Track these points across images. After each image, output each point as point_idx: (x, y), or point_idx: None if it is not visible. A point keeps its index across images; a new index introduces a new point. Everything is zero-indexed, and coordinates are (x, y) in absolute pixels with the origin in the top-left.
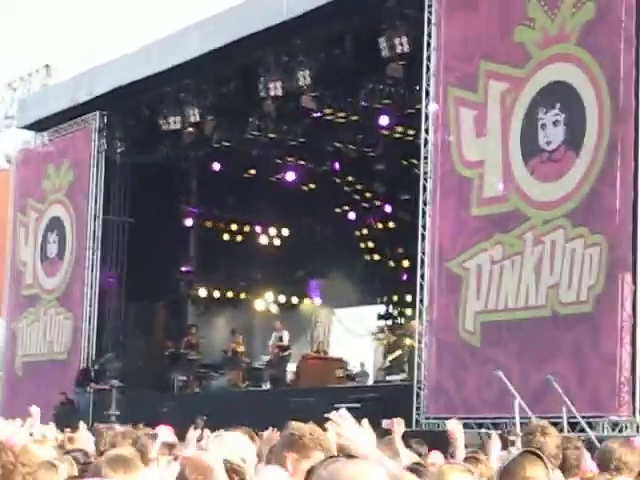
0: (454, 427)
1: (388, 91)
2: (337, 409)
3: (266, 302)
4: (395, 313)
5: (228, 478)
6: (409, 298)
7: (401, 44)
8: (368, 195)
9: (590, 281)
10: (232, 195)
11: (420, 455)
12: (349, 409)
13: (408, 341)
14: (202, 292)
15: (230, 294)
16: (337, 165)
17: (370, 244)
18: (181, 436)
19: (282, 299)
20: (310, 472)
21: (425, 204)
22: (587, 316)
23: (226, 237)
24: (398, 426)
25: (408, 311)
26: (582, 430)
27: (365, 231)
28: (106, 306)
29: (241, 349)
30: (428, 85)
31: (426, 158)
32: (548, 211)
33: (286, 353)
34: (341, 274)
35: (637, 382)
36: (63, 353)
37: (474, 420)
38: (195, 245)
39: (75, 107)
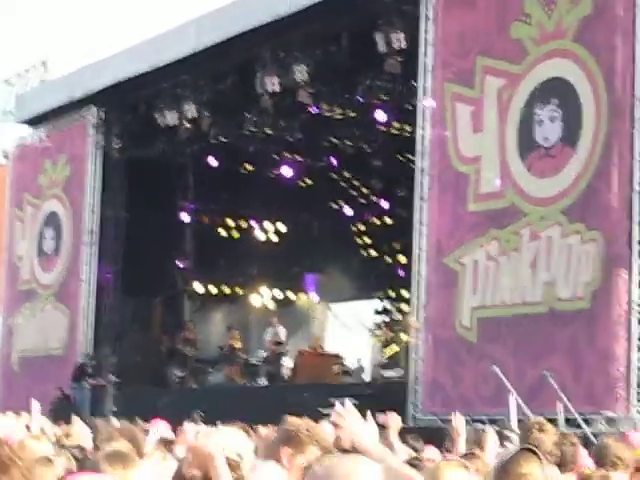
0: (460, 422)
1: (385, 87)
2: (333, 405)
3: (262, 298)
4: (391, 309)
5: None
6: (405, 294)
7: (398, 40)
8: (365, 191)
9: (587, 277)
10: (229, 191)
11: (416, 450)
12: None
13: (405, 337)
14: (199, 288)
15: (227, 290)
16: (334, 161)
17: (367, 240)
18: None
19: (279, 295)
20: (307, 469)
21: (422, 200)
22: (583, 312)
23: (223, 232)
24: (393, 421)
25: (404, 307)
26: (578, 426)
27: (362, 227)
28: (103, 301)
29: (238, 345)
30: (425, 81)
31: (423, 154)
32: (544, 207)
33: (282, 349)
34: (337, 270)
35: (632, 378)
36: (59, 348)
37: (470, 416)
38: (192, 240)
39: (72, 103)
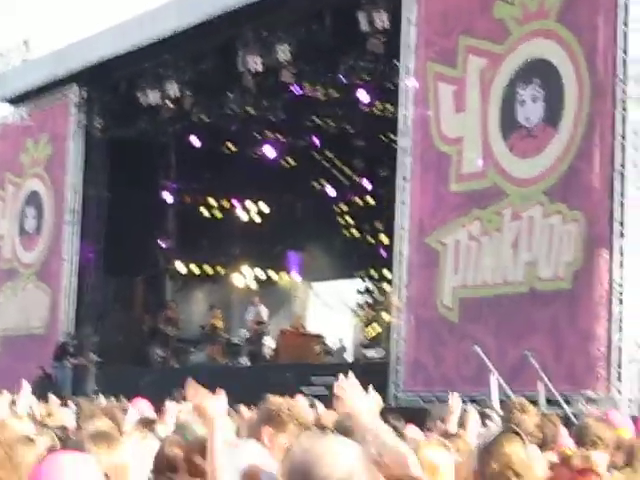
0: (456, 402)
1: (367, 67)
2: (314, 385)
3: (245, 277)
4: (373, 289)
5: (202, 456)
6: (387, 274)
7: (381, 19)
8: (347, 171)
9: (568, 257)
10: (211, 170)
11: (397, 430)
12: (327, 385)
13: (386, 317)
14: (181, 267)
15: (209, 269)
16: (316, 141)
17: (349, 219)
18: (159, 411)
19: (260, 274)
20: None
21: (404, 180)
22: (565, 292)
23: (205, 212)
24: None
25: (386, 287)
26: (559, 405)
27: (344, 206)
28: (84, 280)
29: (219, 324)
30: (407, 60)
31: (405, 134)
32: (526, 187)
33: (264, 328)
34: (320, 249)
35: (613, 357)
36: (41, 327)
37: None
38: (174, 220)
39: (54, 81)
